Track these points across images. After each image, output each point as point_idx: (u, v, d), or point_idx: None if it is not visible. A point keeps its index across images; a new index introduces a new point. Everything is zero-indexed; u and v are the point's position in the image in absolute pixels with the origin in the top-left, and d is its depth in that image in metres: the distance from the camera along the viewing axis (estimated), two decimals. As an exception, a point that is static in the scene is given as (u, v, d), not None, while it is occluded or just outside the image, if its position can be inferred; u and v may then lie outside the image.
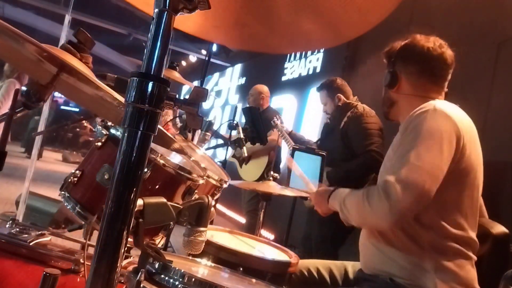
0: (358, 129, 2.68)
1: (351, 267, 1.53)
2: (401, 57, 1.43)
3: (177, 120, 3.93)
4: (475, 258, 1.27)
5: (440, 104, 1.26)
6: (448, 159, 1.19)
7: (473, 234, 1.27)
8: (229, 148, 3.01)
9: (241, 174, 3.90)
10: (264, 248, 1.66)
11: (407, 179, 1.14)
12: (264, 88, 4.02)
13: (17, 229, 1.21)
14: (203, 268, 1.15)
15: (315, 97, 5.28)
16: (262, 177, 3.68)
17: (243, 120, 2.71)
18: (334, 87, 2.93)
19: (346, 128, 2.74)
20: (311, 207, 2.64)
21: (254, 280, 1.16)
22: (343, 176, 2.60)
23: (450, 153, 1.19)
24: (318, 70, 5.41)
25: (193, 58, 11.07)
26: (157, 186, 1.07)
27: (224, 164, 2.94)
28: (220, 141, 3.31)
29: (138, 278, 0.76)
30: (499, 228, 1.37)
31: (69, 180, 1.07)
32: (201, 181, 1.16)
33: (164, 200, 0.76)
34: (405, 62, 1.42)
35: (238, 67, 8.64)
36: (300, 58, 5.92)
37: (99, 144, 1.07)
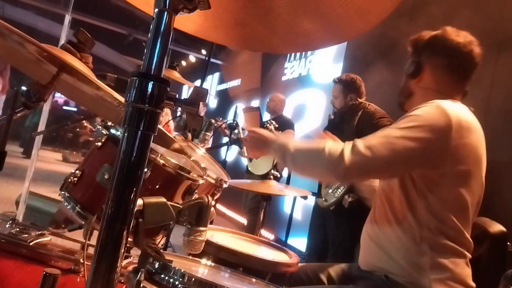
0: (372, 126, 2.74)
1: (348, 267, 1.54)
2: (429, 48, 1.38)
3: (174, 120, 4.03)
4: (470, 256, 1.27)
5: (445, 103, 1.24)
6: (425, 147, 1.19)
7: (467, 235, 1.27)
8: (229, 148, 3.02)
9: (250, 168, 3.96)
10: (264, 248, 1.66)
11: (371, 145, 1.18)
12: (283, 98, 4.48)
13: (17, 229, 1.21)
14: (203, 268, 1.15)
15: (315, 96, 5.30)
16: (270, 173, 3.74)
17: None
18: (351, 86, 2.94)
19: (361, 126, 2.78)
20: (325, 207, 2.66)
21: (254, 280, 1.16)
22: None
23: (429, 143, 1.19)
24: (318, 70, 5.41)
25: (193, 58, 11.08)
26: (157, 186, 1.07)
27: (224, 164, 2.95)
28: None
29: (138, 278, 0.76)
30: (497, 227, 1.37)
31: (69, 180, 1.07)
32: (201, 181, 1.16)
33: (164, 200, 0.76)
34: (433, 53, 1.37)
35: (217, 75, 9.54)
36: (300, 58, 5.92)
37: (99, 144, 1.07)
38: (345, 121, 2.90)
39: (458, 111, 1.25)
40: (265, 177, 3.73)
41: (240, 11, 0.78)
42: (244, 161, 4.10)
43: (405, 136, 1.19)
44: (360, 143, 1.19)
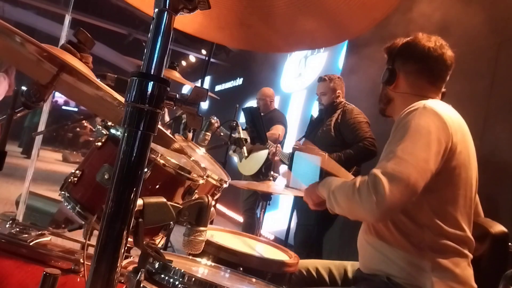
0: (349, 123, 2.94)
1: (350, 266, 1.53)
2: (401, 55, 1.42)
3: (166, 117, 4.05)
4: (471, 256, 1.27)
5: (430, 102, 1.26)
6: (436, 154, 1.18)
7: (468, 233, 1.27)
8: (229, 148, 3.03)
9: (239, 169, 3.97)
10: (264, 248, 1.66)
11: (393, 172, 1.14)
12: (270, 92, 4.31)
13: (17, 229, 1.21)
14: (203, 268, 1.15)
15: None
16: (260, 173, 3.75)
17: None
18: (338, 83, 3.16)
19: (338, 123, 2.99)
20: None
21: (254, 280, 1.16)
22: (344, 161, 2.81)
23: (438, 149, 1.18)
24: (318, 70, 5.41)
25: (193, 58, 11.09)
26: (157, 186, 1.07)
27: (224, 164, 2.95)
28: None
29: (138, 278, 0.76)
30: (498, 228, 1.37)
31: (69, 180, 1.07)
32: (201, 181, 1.16)
33: (164, 200, 0.76)
34: (405, 60, 1.41)
35: (208, 79, 9.73)
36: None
37: (99, 144, 1.07)
38: (326, 117, 3.10)
39: (443, 108, 1.27)
40: (255, 177, 3.77)
41: (244, 11, 0.78)
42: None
43: (410, 146, 1.17)
44: (378, 179, 1.13)
